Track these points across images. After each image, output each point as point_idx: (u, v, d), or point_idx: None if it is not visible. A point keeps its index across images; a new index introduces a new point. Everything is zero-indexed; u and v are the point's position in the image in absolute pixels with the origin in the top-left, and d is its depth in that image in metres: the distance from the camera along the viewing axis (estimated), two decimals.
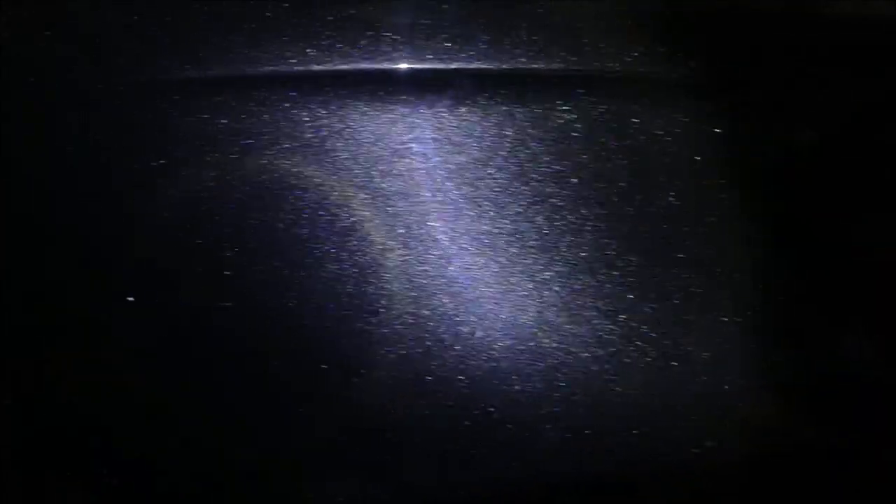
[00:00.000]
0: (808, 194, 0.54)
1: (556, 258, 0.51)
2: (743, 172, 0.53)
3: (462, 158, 0.51)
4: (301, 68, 0.51)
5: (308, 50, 0.51)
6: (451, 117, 0.51)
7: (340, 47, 0.51)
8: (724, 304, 0.52)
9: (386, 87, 0.51)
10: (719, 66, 0.53)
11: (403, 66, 0.51)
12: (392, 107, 0.51)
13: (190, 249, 0.51)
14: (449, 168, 0.51)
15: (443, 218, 0.51)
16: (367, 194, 0.51)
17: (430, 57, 0.52)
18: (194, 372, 0.51)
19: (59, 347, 0.52)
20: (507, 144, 0.51)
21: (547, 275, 0.51)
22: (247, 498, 0.53)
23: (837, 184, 0.54)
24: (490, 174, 0.51)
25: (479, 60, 0.52)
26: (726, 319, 0.52)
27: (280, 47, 0.51)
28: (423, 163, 0.51)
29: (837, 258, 0.54)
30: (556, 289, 0.51)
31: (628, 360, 0.50)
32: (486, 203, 0.51)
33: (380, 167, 0.51)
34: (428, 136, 0.51)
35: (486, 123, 0.51)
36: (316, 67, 0.51)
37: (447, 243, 0.51)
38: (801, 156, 0.54)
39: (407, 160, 0.51)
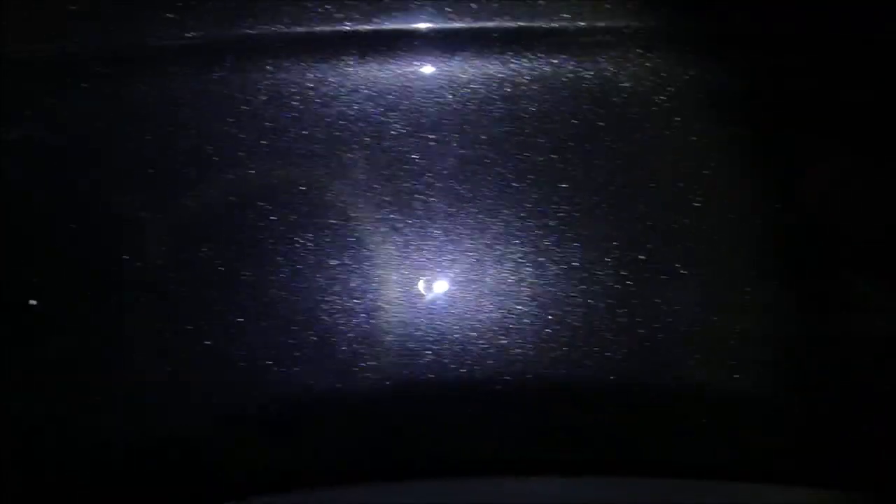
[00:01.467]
0: (790, 145, 0.54)
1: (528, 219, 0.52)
2: (721, 123, 0.53)
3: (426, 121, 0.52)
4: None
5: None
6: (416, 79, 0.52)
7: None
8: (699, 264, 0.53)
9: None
10: (691, 16, 0.53)
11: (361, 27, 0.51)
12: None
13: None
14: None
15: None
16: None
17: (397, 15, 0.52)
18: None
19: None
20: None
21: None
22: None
23: (815, 130, 0.55)
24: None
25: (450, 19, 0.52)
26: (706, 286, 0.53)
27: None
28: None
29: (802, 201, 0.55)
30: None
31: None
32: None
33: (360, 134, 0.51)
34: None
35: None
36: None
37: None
38: (777, 107, 0.54)
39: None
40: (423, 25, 0.51)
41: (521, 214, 0.52)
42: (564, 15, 0.52)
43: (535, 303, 0.51)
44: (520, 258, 0.52)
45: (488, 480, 0.56)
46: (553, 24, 0.52)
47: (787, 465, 0.56)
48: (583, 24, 0.52)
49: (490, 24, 0.52)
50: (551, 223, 0.52)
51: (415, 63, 0.52)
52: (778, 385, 0.53)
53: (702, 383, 0.52)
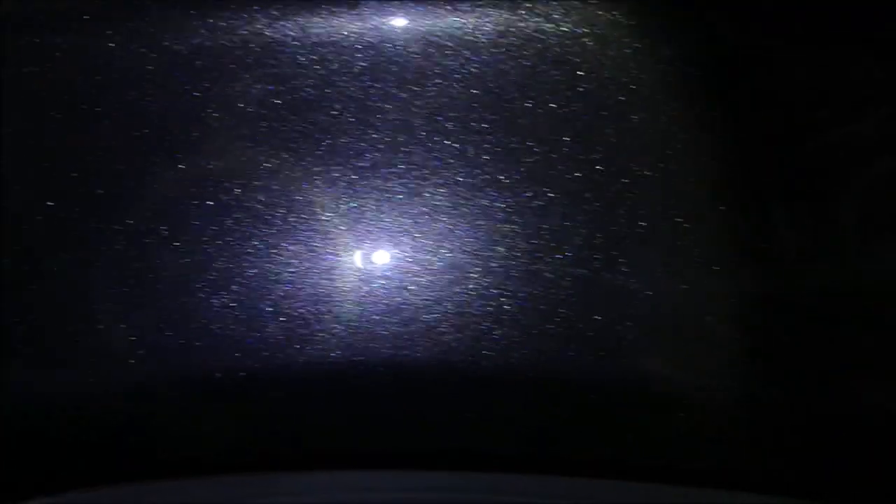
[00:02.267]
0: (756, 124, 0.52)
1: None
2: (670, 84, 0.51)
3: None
4: None
5: None
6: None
7: None
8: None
9: None
10: None
11: None
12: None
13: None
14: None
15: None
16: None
17: None
18: None
19: None
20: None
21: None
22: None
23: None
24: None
25: None
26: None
27: None
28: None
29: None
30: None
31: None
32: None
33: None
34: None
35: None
36: None
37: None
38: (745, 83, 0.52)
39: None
40: None
41: (481, 193, 0.50)
42: None
43: (487, 287, 0.50)
44: (474, 240, 0.50)
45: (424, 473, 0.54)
46: None
47: (755, 470, 0.53)
48: None
49: None
50: (509, 203, 0.50)
51: (384, 17, 0.50)
52: (743, 384, 0.51)
53: (660, 378, 0.50)
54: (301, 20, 0.50)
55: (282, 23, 0.50)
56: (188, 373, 0.50)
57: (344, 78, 0.50)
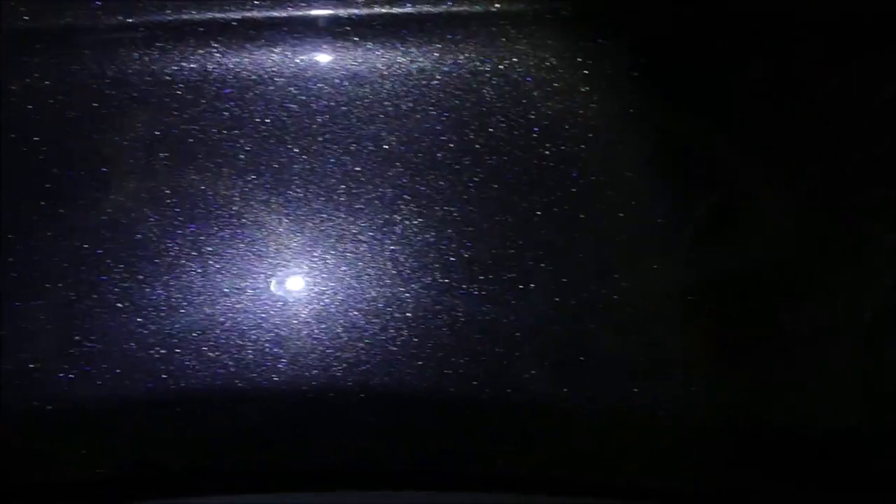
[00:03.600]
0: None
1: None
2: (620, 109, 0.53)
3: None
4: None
5: None
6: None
7: None
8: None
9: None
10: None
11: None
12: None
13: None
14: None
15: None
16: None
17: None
18: None
19: None
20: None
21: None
22: None
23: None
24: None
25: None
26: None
27: None
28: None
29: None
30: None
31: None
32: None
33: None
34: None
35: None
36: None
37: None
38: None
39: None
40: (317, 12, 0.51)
41: (390, 214, 0.51)
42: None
43: (388, 309, 0.51)
44: (374, 260, 0.51)
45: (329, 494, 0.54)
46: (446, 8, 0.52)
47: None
48: (479, 8, 0.52)
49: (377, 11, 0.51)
50: (413, 224, 0.51)
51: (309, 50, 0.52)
52: (659, 397, 0.52)
53: (550, 393, 0.51)
54: (229, 53, 0.51)
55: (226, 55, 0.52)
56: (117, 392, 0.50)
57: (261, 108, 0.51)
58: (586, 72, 0.52)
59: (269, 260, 0.51)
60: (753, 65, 0.54)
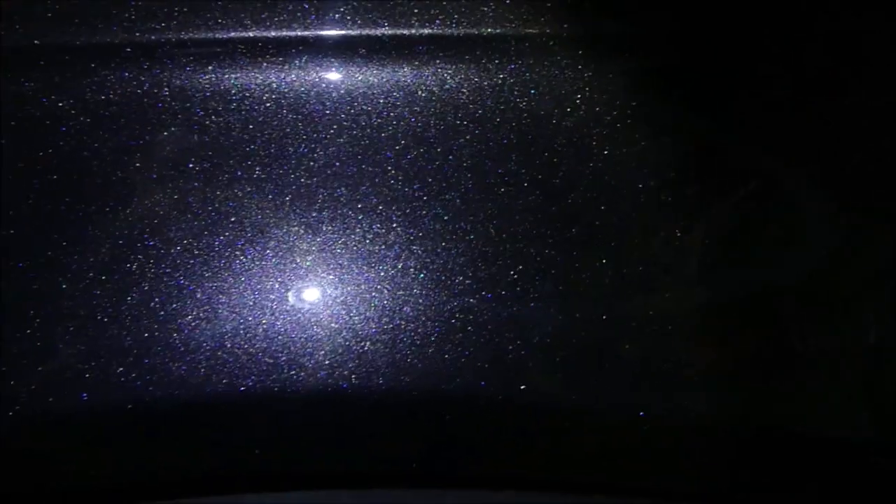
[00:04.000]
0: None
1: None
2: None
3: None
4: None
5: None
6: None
7: None
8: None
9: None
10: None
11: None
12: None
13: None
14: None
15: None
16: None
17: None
18: None
19: None
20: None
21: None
22: None
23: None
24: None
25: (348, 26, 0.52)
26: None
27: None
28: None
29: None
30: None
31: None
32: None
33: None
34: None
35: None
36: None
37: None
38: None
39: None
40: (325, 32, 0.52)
41: (397, 223, 0.52)
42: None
43: (394, 314, 0.51)
44: (386, 266, 0.51)
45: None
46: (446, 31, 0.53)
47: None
48: (472, 31, 0.53)
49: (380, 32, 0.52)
50: (418, 231, 0.52)
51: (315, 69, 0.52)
52: (657, 398, 0.53)
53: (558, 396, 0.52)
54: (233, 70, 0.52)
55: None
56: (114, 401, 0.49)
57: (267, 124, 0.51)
58: (598, 85, 0.53)
59: (277, 265, 0.51)
60: (760, 72, 0.54)
